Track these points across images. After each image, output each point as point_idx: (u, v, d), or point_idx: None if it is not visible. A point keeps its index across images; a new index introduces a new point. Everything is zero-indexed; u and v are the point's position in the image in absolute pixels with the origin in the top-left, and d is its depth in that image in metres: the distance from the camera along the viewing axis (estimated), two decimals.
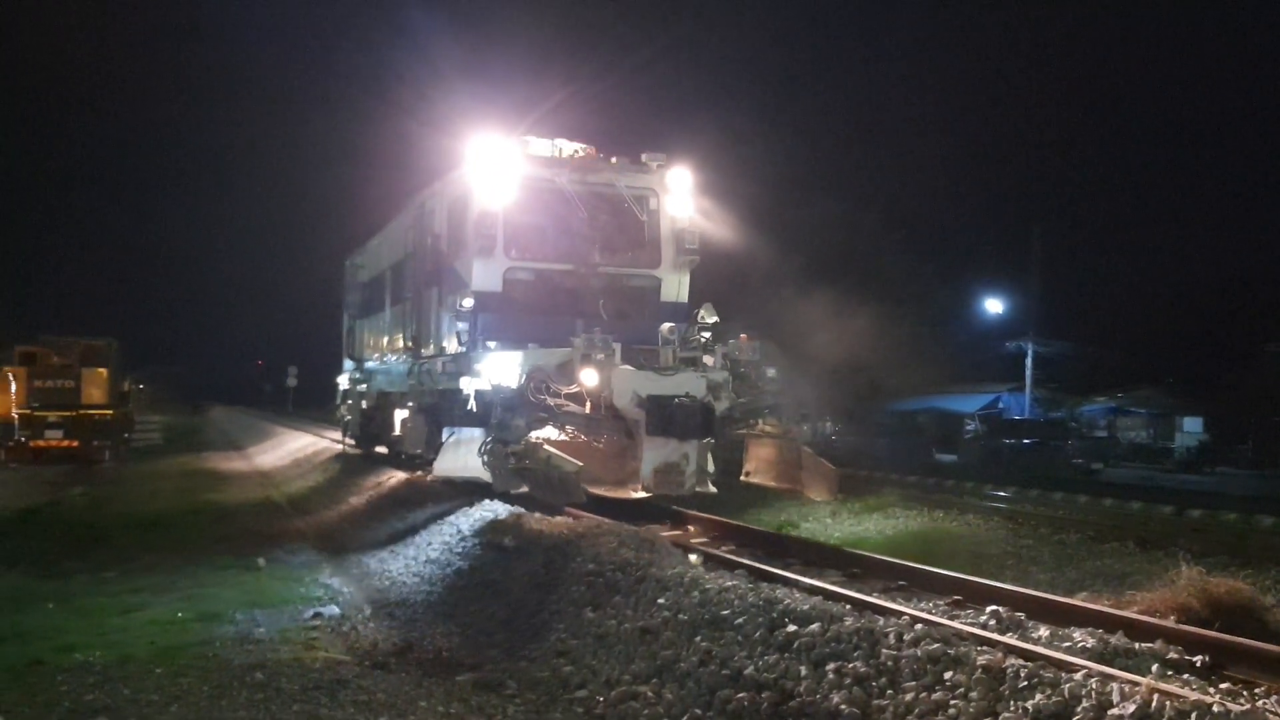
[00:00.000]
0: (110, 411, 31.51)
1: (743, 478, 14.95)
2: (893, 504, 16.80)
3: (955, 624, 7.51)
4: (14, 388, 29.33)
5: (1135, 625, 7.83)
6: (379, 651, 9.32)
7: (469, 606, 10.60)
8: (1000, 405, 44.63)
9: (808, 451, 14.19)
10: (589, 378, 13.05)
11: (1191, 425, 40.78)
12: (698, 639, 7.69)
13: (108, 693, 7.57)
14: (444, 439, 15.77)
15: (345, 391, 26.84)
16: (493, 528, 13.11)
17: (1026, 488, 21.14)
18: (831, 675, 6.62)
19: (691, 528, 13.94)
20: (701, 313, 15.06)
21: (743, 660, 7.17)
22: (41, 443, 29.83)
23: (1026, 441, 35.01)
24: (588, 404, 13.19)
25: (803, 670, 6.77)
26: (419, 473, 17.99)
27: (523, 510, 13.67)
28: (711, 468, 14.39)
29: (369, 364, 23.09)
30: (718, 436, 14.18)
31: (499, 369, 13.57)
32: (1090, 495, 20.04)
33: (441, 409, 16.33)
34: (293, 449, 33.63)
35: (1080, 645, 7.13)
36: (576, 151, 15.71)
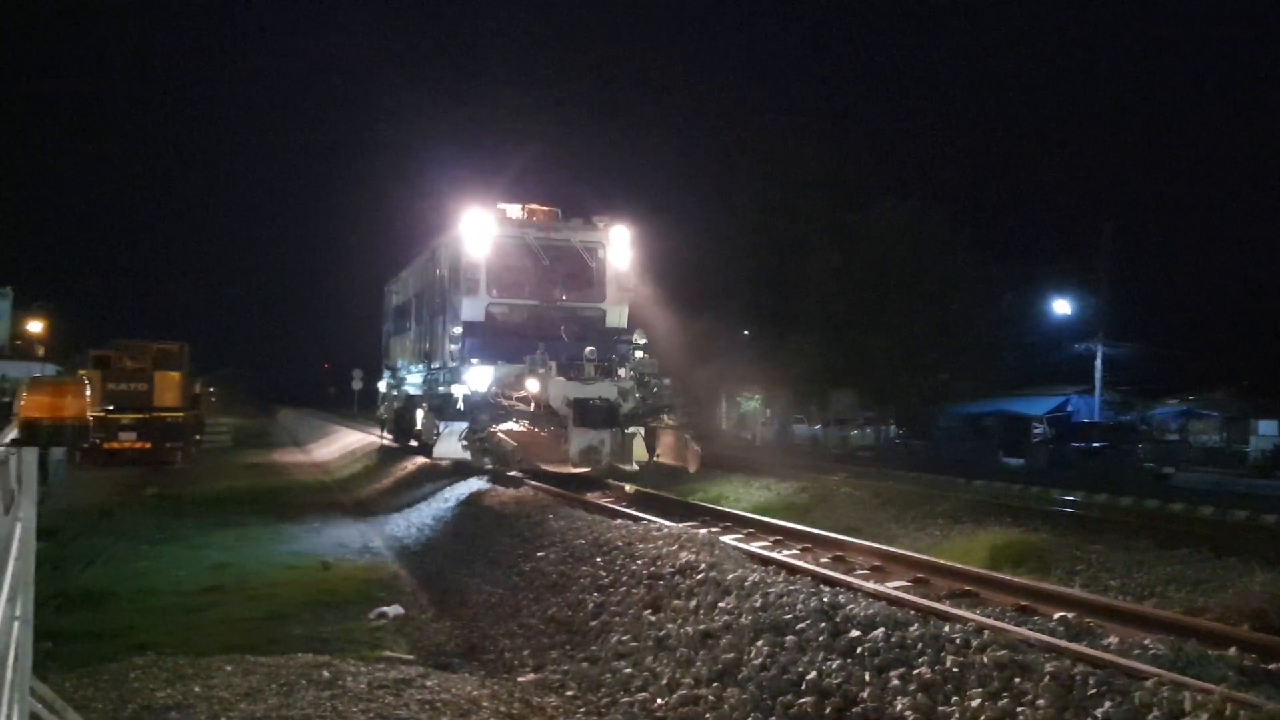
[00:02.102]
0: (182, 414, 32.03)
1: (654, 459, 18.91)
2: (959, 509, 16.60)
3: (1022, 630, 7.42)
4: (88, 391, 29.83)
5: (1208, 632, 7.68)
6: (443, 651, 9.40)
7: (530, 606, 10.66)
8: (1069, 408, 43.94)
9: (688, 439, 18.48)
10: (533, 385, 17.97)
11: (1267, 428, 39.76)
12: (759, 643, 7.66)
13: (179, 690, 7.71)
14: (441, 431, 20.27)
15: (383, 394, 32.32)
16: (532, 518, 13.24)
17: (1096, 492, 20.78)
18: (896, 681, 6.56)
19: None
20: (635, 336, 19.80)
21: (805, 665, 7.13)
22: (115, 444, 30.37)
23: (1096, 445, 34.39)
24: (533, 404, 18.08)
25: (866, 676, 6.72)
26: (434, 460, 22.36)
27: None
28: (644, 455, 18.67)
29: (400, 372, 28.25)
30: (623, 427, 18.30)
31: (477, 379, 18.96)
32: (1161, 500, 19.68)
33: (442, 408, 20.92)
34: (345, 444, 38.33)
35: (1151, 653, 6.99)
36: (546, 213, 20.82)
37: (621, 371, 19.05)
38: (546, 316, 20.18)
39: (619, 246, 20.77)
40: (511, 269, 20.45)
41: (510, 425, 18.20)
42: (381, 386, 32.45)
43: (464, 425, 19.19)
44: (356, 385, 46.03)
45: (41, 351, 42.69)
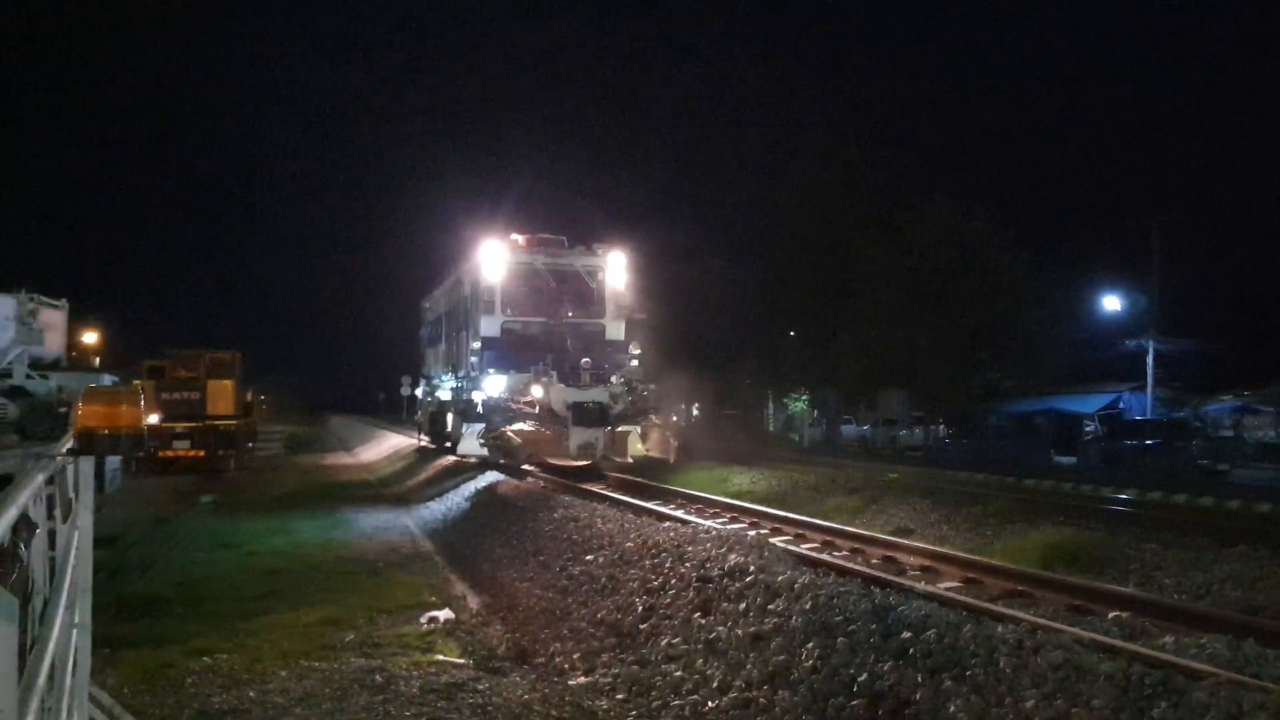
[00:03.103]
0: (235, 422, 32.32)
1: (643, 451, 22.05)
2: (1011, 509, 16.43)
3: (1076, 630, 7.33)
4: (142, 400, 30.10)
5: (1267, 631, 7.55)
6: (494, 655, 9.45)
7: (579, 609, 10.69)
8: (1121, 405, 43.39)
9: (669, 435, 22.17)
10: (537, 391, 21.36)
11: None
12: (810, 645, 7.63)
13: (235, 695, 7.81)
14: (464, 431, 23.45)
15: (419, 400, 36.04)
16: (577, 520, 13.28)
17: (1149, 490, 20.51)
18: (949, 683, 6.50)
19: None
20: (630, 347, 23.52)
21: (857, 668, 7.09)
22: (170, 453, 30.70)
23: (1149, 442, 33.93)
24: (538, 407, 21.31)
25: (919, 678, 6.67)
26: (460, 457, 25.58)
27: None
28: (639, 449, 21.97)
29: (434, 380, 31.67)
30: (614, 426, 21.58)
31: (493, 386, 22.33)
32: (1216, 497, 19.38)
33: (466, 412, 24.11)
34: (389, 446, 42.53)
35: (1208, 652, 6.88)
36: (553, 241, 24.29)
37: (614, 378, 22.32)
38: (554, 331, 23.44)
39: (616, 270, 24.10)
40: (523, 291, 23.83)
41: (520, 425, 21.22)
42: (418, 393, 35.93)
43: (482, 426, 22.21)
44: (405, 391, 46.93)
45: (97, 362, 43.32)
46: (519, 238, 23.98)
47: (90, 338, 48.89)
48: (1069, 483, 22.79)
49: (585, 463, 21.46)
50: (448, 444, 28.09)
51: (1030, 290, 40.29)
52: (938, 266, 40.45)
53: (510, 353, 22.94)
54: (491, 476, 21.84)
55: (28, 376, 28.65)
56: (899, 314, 41.36)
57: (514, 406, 21.58)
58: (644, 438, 21.96)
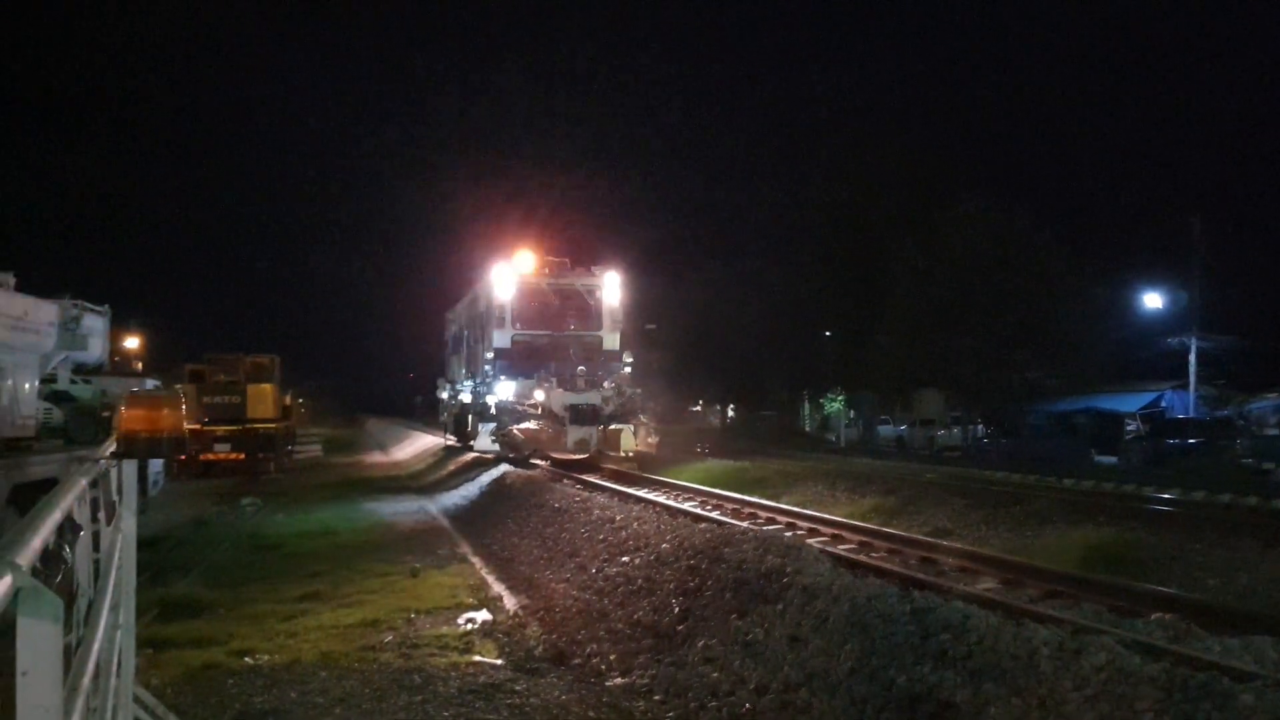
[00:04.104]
0: (274, 425, 32.61)
1: (634, 445, 24.51)
2: (1051, 509, 16.29)
3: (1119, 632, 7.25)
4: (184, 404, 30.42)
5: None
6: (531, 656, 9.47)
7: (616, 611, 10.69)
8: (1163, 404, 42.87)
9: (650, 433, 25.59)
10: (539, 395, 24.44)
11: None
12: (848, 647, 7.59)
13: (276, 695, 7.88)
14: (480, 430, 27.04)
15: (444, 403, 39.35)
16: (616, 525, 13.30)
17: (1192, 489, 20.25)
18: (989, 685, 6.45)
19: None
20: (624, 355, 26.68)
21: (895, 670, 7.05)
22: (210, 456, 31.00)
23: (1191, 442, 33.48)
24: (540, 409, 24.31)
25: (958, 680, 6.62)
26: (478, 453, 28.75)
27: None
28: (632, 444, 24.37)
29: (456, 385, 35.13)
30: (606, 425, 24.35)
31: (504, 390, 25.44)
32: (1261, 497, 19.10)
33: (483, 413, 27.38)
34: (421, 445, 46.30)
35: (1255, 655, 6.79)
36: (556, 263, 27.48)
37: (606, 384, 25.07)
38: (558, 343, 26.55)
39: (611, 288, 27.17)
40: (531, 307, 26.83)
41: (526, 424, 24.36)
42: (443, 396, 39.24)
43: (494, 425, 25.67)
44: (440, 395, 47.82)
45: (139, 367, 43.85)
46: (527, 261, 26.97)
47: (132, 343, 49.54)
48: (1110, 483, 22.55)
49: (582, 456, 24.20)
50: (470, 442, 30.71)
51: (1069, 287, 39.89)
52: (975, 264, 40.13)
53: (519, 361, 25.96)
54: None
55: (71, 382, 28.98)
56: (936, 313, 41.08)
57: (520, 408, 24.71)
58: (634, 434, 24.60)
